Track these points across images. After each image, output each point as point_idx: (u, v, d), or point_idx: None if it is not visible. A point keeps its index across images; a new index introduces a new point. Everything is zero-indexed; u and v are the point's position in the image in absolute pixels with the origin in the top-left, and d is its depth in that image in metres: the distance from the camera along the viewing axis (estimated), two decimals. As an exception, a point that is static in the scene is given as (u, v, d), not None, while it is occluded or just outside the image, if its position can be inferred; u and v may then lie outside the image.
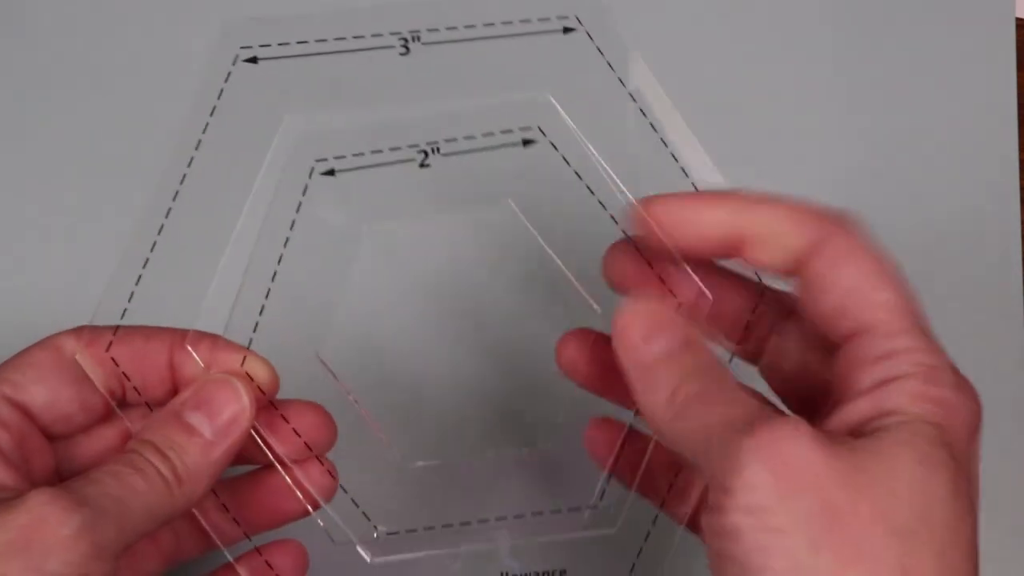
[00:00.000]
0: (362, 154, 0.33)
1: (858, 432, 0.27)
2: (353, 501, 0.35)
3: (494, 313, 0.43)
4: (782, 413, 0.27)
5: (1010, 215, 0.47)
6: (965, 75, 0.49)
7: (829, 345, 0.29)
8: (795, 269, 0.29)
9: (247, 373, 0.32)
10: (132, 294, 0.32)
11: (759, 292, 0.33)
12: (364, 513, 0.35)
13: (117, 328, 0.31)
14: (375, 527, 0.35)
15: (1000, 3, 0.49)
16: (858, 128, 0.48)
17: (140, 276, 0.31)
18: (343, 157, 0.33)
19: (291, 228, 0.33)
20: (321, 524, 0.33)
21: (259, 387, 0.32)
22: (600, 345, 0.33)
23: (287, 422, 0.33)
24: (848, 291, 0.28)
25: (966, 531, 0.26)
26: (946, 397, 0.27)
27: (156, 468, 0.29)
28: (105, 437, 0.33)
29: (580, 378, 0.34)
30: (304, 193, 0.33)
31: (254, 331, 0.33)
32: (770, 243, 0.29)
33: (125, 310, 0.32)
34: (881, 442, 0.26)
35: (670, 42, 0.46)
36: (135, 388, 0.32)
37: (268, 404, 0.33)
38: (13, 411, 0.30)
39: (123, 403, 0.32)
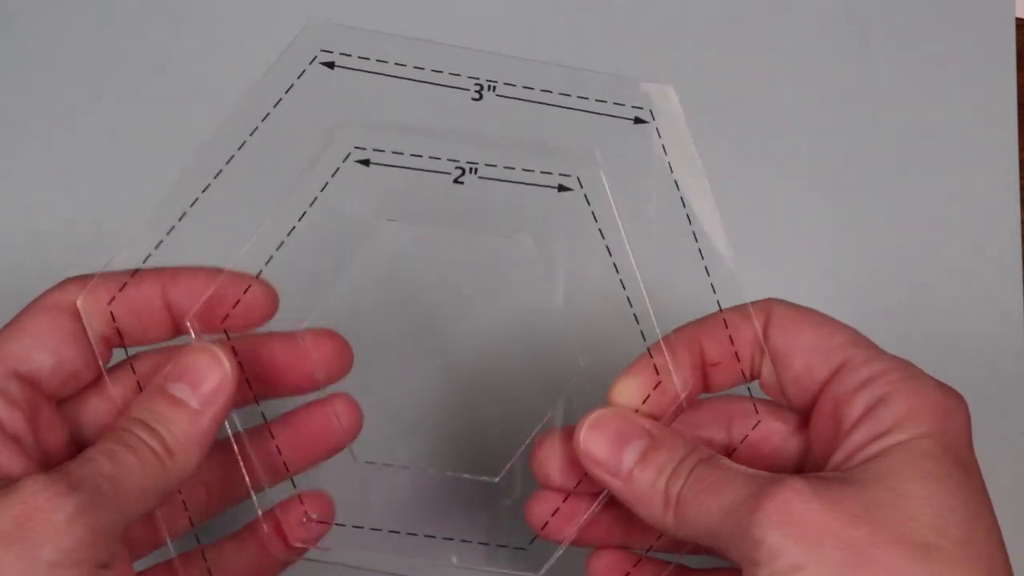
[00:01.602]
0: (401, 154, 0.33)
1: (860, 462, 0.28)
2: (292, 483, 0.35)
3: (481, 340, 0.43)
4: (777, 477, 0.27)
5: (1010, 215, 0.47)
6: (965, 75, 0.49)
7: (801, 413, 0.31)
8: (760, 354, 0.31)
9: (227, 335, 0.32)
10: (148, 256, 0.32)
11: None
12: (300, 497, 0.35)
13: (97, 276, 0.31)
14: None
15: (1000, 3, 0.50)
16: (858, 128, 0.48)
17: (161, 241, 0.32)
18: (382, 151, 0.33)
19: (311, 204, 0.33)
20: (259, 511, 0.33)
21: (261, 309, 0.32)
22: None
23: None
24: (810, 345, 0.30)
25: (985, 527, 0.27)
26: (936, 404, 0.28)
27: (146, 443, 0.29)
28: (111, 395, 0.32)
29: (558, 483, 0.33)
30: (333, 175, 0.33)
31: (244, 292, 0.33)
32: (728, 350, 0.31)
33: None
34: (883, 467, 0.27)
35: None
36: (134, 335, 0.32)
37: (288, 334, 0.33)
38: (21, 386, 0.30)
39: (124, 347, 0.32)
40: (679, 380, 0.31)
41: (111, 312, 0.31)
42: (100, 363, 0.31)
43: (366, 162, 0.33)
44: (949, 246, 0.47)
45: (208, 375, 0.30)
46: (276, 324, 0.34)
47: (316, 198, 0.33)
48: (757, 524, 0.26)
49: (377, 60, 0.31)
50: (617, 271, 0.33)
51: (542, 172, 0.33)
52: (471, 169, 0.33)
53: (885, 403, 0.28)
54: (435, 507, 0.41)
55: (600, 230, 0.33)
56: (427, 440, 0.42)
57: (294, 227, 0.33)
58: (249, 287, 0.32)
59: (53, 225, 0.44)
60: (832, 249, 0.46)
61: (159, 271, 0.32)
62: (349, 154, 0.33)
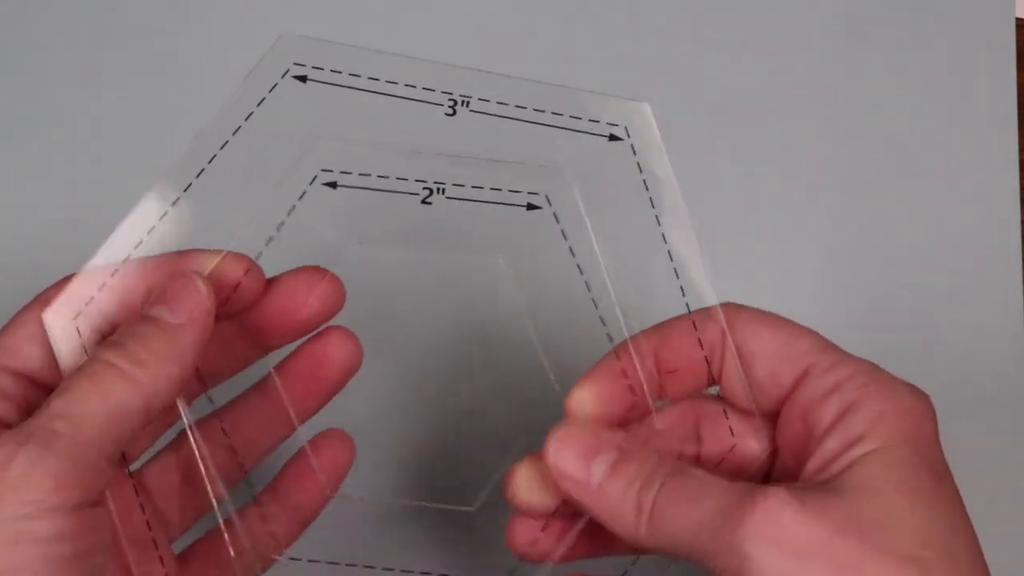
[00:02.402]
0: (368, 175, 0.33)
1: (838, 471, 0.28)
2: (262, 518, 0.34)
3: (453, 364, 0.42)
4: (757, 487, 0.27)
5: (1010, 215, 0.47)
6: (965, 75, 0.49)
7: (768, 416, 0.31)
8: (720, 357, 0.31)
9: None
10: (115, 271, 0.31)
11: None
12: (272, 533, 0.34)
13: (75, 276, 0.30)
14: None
15: (1000, 3, 0.50)
16: (857, 128, 0.48)
17: (128, 256, 0.31)
18: (349, 173, 0.33)
19: (277, 229, 0.33)
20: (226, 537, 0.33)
21: (241, 279, 0.31)
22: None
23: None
24: (773, 350, 0.30)
25: (964, 536, 0.27)
26: (906, 408, 0.28)
27: (111, 363, 0.28)
28: None
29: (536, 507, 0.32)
30: (300, 198, 0.33)
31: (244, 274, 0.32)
32: (688, 356, 0.31)
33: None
34: (862, 477, 0.27)
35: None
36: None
37: (277, 278, 0.33)
38: (14, 380, 0.29)
39: None
40: (644, 383, 0.31)
41: (95, 308, 0.30)
42: (85, 354, 0.30)
43: (333, 184, 0.33)
44: (949, 246, 0.47)
45: (184, 296, 0.30)
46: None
47: (283, 222, 0.33)
48: (744, 539, 0.26)
49: (350, 74, 0.31)
50: (589, 289, 0.33)
51: (511, 191, 0.33)
52: (439, 189, 0.33)
53: (855, 409, 0.28)
54: (409, 540, 0.40)
55: (570, 248, 0.32)
56: (399, 468, 0.42)
57: (260, 252, 0.33)
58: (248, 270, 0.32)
59: (47, 225, 0.44)
60: (831, 249, 0.46)
61: (141, 260, 0.31)
62: (316, 176, 0.33)
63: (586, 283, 0.33)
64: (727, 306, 0.31)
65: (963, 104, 0.49)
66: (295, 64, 0.31)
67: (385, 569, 0.35)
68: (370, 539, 0.39)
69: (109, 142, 0.46)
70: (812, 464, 0.29)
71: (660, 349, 0.31)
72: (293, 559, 0.34)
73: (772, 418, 0.31)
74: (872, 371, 0.29)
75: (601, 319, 0.32)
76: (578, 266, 0.33)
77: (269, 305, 0.33)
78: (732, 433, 0.32)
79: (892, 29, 0.49)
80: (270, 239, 0.33)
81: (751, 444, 0.32)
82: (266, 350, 0.34)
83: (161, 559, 0.32)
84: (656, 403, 0.32)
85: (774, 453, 0.32)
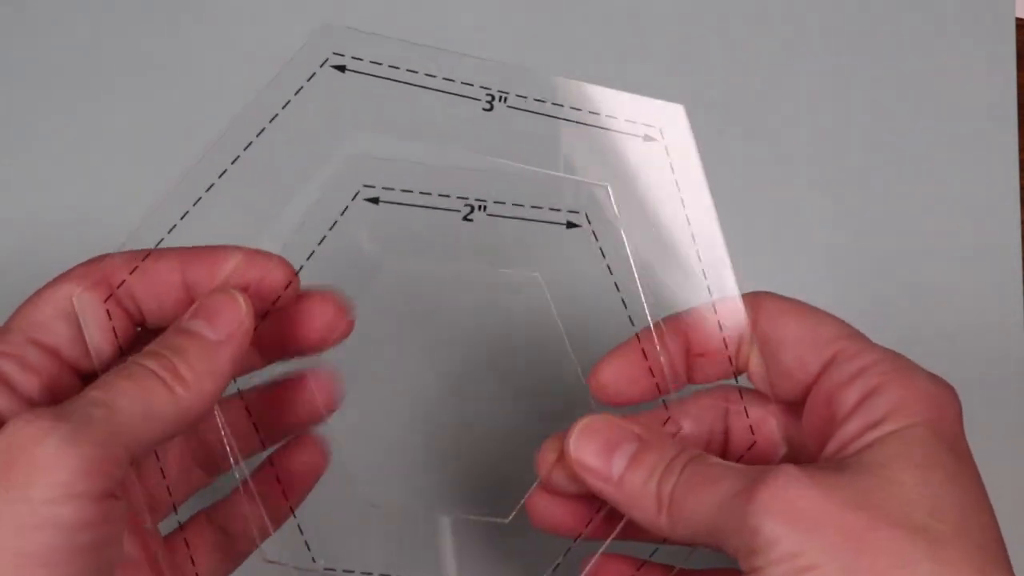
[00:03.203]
0: (411, 191, 0.33)
1: (854, 451, 0.28)
2: (299, 528, 0.35)
3: (488, 379, 0.43)
4: (770, 467, 0.27)
5: (1010, 215, 0.47)
6: (965, 75, 0.49)
7: (794, 404, 0.31)
8: (748, 344, 0.31)
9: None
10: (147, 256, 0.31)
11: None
12: (306, 543, 0.34)
13: (113, 255, 0.31)
14: (313, 559, 0.34)
15: (1000, 3, 0.50)
16: (858, 128, 0.48)
17: (161, 239, 0.31)
18: (391, 189, 0.33)
19: (319, 243, 0.33)
20: (264, 549, 0.33)
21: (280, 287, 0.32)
22: None
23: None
24: (800, 337, 0.30)
25: (979, 515, 0.27)
26: (928, 394, 0.28)
27: (151, 370, 0.28)
28: None
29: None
30: (343, 214, 0.33)
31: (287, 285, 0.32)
32: (716, 341, 0.31)
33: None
34: (877, 456, 0.27)
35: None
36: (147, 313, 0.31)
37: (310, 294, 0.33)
38: (41, 354, 0.29)
39: (146, 327, 0.32)
40: (667, 367, 0.32)
41: (125, 290, 0.30)
42: (115, 336, 0.30)
43: (375, 200, 0.33)
44: (949, 246, 0.47)
45: (225, 312, 0.30)
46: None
47: (325, 237, 0.33)
48: (753, 513, 0.26)
49: (389, 66, 0.31)
50: (625, 307, 0.33)
51: (551, 209, 0.33)
52: (480, 207, 0.33)
53: (878, 393, 0.28)
54: (444, 551, 0.41)
55: (608, 266, 0.33)
56: (434, 480, 0.42)
57: (303, 266, 0.33)
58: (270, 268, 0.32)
59: (55, 222, 0.45)
60: (831, 249, 0.46)
61: (177, 250, 0.31)
62: (358, 192, 0.33)
63: (622, 300, 0.33)
64: (756, 294, 0.31)
65: (963, 104, 0.49)
66: (334, 54, 0.31)
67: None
68: (404, 548, 0.40)
69: (120, 139, 0.46)
70: (831, 446, 0.29)
71: (690, 332, 0.32)
72: (328, 569, 0.34)
73: (799, 405, 0.31)
74: (897, 359, 0.29)
75: (637, 337, 0.32)
76: (615, 284, 0.33)
77: (292, 320, 0.33)
78: (752, 431, 0.32)
79: (892, 29, 0.49)
80: (312, 253, 0.34)
81: (772, 430, 0.32)
82: (270, 360, 0.34)
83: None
84: (683, 392, 0.32)
85: (798, 442, 0.32)
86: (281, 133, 0.31)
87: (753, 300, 0.31)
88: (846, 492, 0.26)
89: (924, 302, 0.46)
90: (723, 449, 0.33)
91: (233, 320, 0.30)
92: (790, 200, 0.47)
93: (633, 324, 0.33)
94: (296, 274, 0.32)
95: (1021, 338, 0.46)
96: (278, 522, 0.34)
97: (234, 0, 0.48)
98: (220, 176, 0.31)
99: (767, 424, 0.32)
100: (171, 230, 0.31)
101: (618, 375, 0.32)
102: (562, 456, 0.31)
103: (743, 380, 0.33)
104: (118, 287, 0.30)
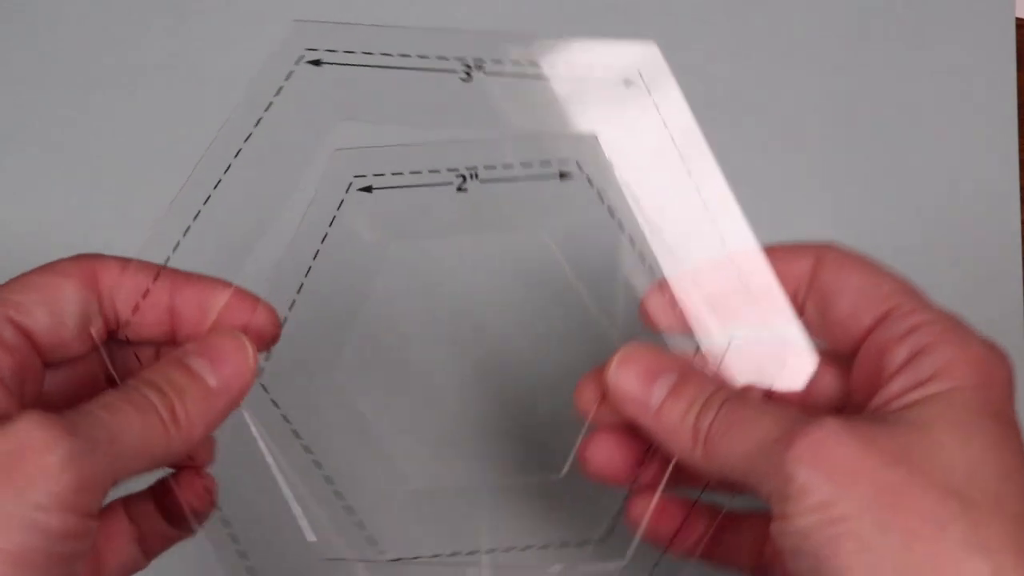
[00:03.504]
0: (401, 173, 0.33)
1: (899, 408, 0.28)
2: (361, 524, 0.35)
3: (511, 341, 0.43)
4: (810, 416, 0.27)
5: (1010, 215, 0.47)
6: (965, 75, 0.49)
7: (845, 355, 0.31)
8: (805, 292, 0.31)
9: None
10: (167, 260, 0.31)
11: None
12: (369, 536, 0.35)
13: (121, 259, 0.31)
14: (381, 551, 0.35)
15: (1000, 3, 0.50)
16: (858, 128, 0.48)
17: (168, 258, 0.31)
18: (382, 175, 0.33)
19: (322, 241, 0.34)
20: (314, 539, 0.33)
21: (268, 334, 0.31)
22: None
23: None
24: (858, 289, 0.30)
25: (1018, 484, 0.26)
26: (979, 357, 0.28)
27: (153, 404, 0.28)
28: (96, 377, 0.32)
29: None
30: (339, 207, 0.33)
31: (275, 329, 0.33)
32: (783, 275, 0.31)
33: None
34: (920, 415, 0.27)
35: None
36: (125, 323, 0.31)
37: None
38: (17, 334, 0.29)
39: (115, 340, 0.31)
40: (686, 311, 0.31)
41: (108, 296, 0.30)
42: (91, 337, 0.30)
43: (368, 188, 0.33)
44: (949, 246, 0.47)
45: (231, 358, 0.30)
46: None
47: (326, 234, 0.34)
48: (790, 461, 0.26)
49: (363, 52, 0.31)
50: (633, 245, 0.33)
51: (541, 163, 0.33)
52: (472, 175, 0.33)
53: (928, 352, 0.28)
54: (500, 516, 0.41)
55: (609, 208, 0.33)
56: (477, 449, 0.42)
57: (310, 267, 0.34)
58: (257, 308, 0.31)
59: (44, 224, 0.45)
60: None
61: (170, 271, 0.31)
62: (351, 184, 0.33)
63: (630, 237, 0.33)
64: (820, 244, 0.31)
65: (963, 104, 0.48)
66: (308, 50, 0.31)
67: (488, 551, 0.36)
68: (462, 523, 0.40)
69: (107, 146, 0.46)
70: (876, 400, 0.29)
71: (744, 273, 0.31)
72: (393, 560, 0.35)
73: (850, 356, 0.31)
74: (951, 320, 0.29)
75: (651, 270, 0.33)
76: (619, 223, 0.33)
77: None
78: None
79: (892, 29, 0.49)
80: (317, 252, 0.34)
81: (820, 378, 0.32)
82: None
83: None
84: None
85: (846, 393, 0.32)
86: (268, 136, 0.31)
87: (816, 249, 0.31)
88: (885, 447, 0.26)
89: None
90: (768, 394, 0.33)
91: (237, 371, 0.30)
92: (789, 200, 0.47)
93: (644, 261, 0.33)
94: (280, 326, 0.32)
95: (1021, 338, 0.46)
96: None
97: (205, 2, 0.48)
98: (215, 187, 0.31)
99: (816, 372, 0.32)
100: (175, 247, 0.31)
101: (663, 307, 0.32)
102: (603, 394, 0.31)
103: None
104: (108, 290, 0.30)
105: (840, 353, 0.31)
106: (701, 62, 0.48)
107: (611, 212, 0.33)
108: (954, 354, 0.28)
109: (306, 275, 0.34)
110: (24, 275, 0.30)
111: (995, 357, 0.28)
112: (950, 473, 0.26)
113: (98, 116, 0.47)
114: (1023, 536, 0.26)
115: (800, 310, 0.32)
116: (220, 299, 0.31)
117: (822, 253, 0.31)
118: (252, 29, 0.46)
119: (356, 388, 0.36)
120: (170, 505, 0.32)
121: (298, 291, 0.34)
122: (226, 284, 0.31)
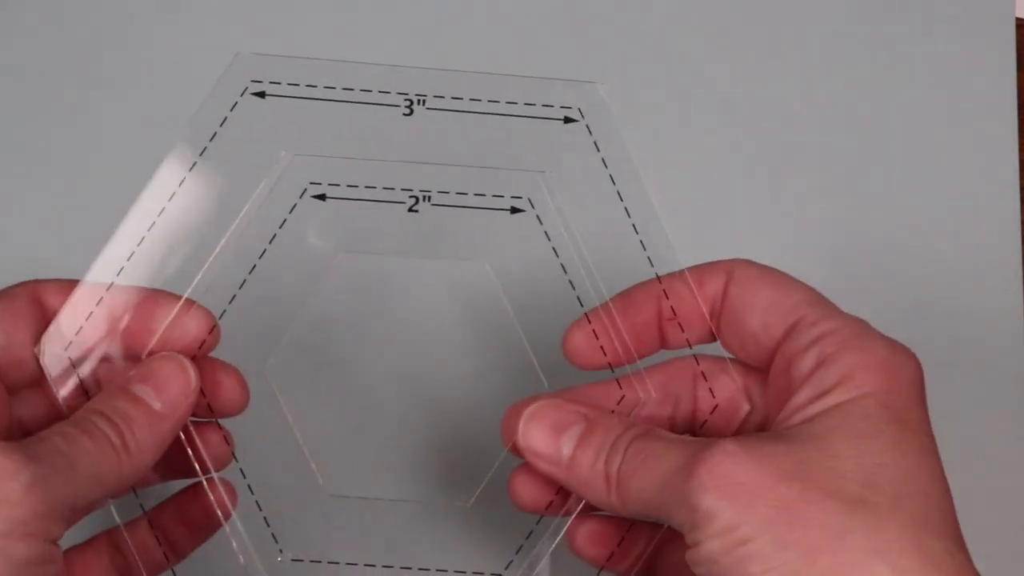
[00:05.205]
0: (356, 186, 0.34)
1: (799, 422, 0.28)
2: (265, 520, 0.35)
3: (445, 365, 0.43)
4: (711, 441, 0.28)
5: (1010, 215, 0.47)
6: (965, 75, 0.49)
7: (759, 370, 0.31)
8: (713, 312, 0.32)
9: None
10: (111, 284, 0.32)
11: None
12: (273, 535, 0.35)
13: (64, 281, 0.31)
14: (280, 551, 0.35)
15: (1000, 3, 0.50)
16: (857, 128, 0.48)
17: (122, 268, 0.32)
18: (337, 185, 0.34)
19: (270, 242, 0.34)
20: (233, 544, 0.33)
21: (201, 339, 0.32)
22: None
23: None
24: (767, 303, 0.31)
25: (920, 482, 0.27)
26: (881, 362, 0.28)
27: (104, 432, 0.29)
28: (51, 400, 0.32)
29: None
30: (291, 211, 0.34)
31: (209, 333, 0.33)
32: (686, 306, 0.32)
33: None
34: (816, 429, 0.27)
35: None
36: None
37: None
38: None
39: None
40: (632, 334, 0.32)
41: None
42: (36, 353, 0.31)
43: (322, 196, 0.34)
44: (949, 246, 0.47)
45: (172, 381, 0.30)
46: (244, 362, 0.34)
47: (275, 235, 0.34)
48: (692, 490, 0.27)
49: (307, 85, 0.32)
50: (573, 288, 0.34)
51: (494, 195, 0.34)
52: (425, 197, 0.34)
53: (831, 362, 0.29)
54: (407, 537, 0.41)
55: (554, 249, 0.33)
56: (395, 468, 0.42)
57: (255, 265, 0.34)
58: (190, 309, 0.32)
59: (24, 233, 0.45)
60: (831, 249, 0.46)
61: (118, 292, 0.32)
62: (305, 190, 0.34)
63: (570, 282, 0.34)
64: (731, 261, 0.32)
65: (963, 104, 0.49)
66: (252, 81, 0.32)
67: (385, 567, 0.36)
68: (370, 537, 0.40)
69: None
70: (783, 414, 0.29)
71: (661, 298, 0.32)
72: (295, 560, 0.35)
73: (767, 371, 0.31)
74: (856, 327, 0.29)
75: (588, 318, 0.33)
76: (562, 265, 0.34)
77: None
78: (713, 394, 0.33)
79: (892, 29, 0.49)
80: (263, 252, 0.34)
81: (741, 398, 0.32)
82: None
83: None
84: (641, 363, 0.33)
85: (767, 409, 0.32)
86: (212, 166, 0.32)
87: (727, 266, 0.32)
88: (781, 464, 0.27)
89: (923, 302, 0.46)
90: (692, 414, 0.33)
91: (179, 393, 0.30)
92: (789, 200, 0.47)
93: (582, 304, 0.33)
94: (217, 323, 0.32)
95: (1021, 338, 0.46)
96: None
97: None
98: (159, 214, 0.32)
99: (729, 388, 0.33)
100: (120, 272, 0.32)
101: (586, 342, 0.32)
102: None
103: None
104: (76, 334, 0.31)
105: (758, 367, 0.32)
106: (700, 62, 0.48)
107: (555, 252, 0.34)
108: (856, 361, 0.28)
109: (249, 272, 0.34)
110: None
111: (899, 360, 0.29)
112: (846, 483, 0.26)
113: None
114: (923, 535, 0.26)
115: (716, 328, 0.32)
116: (165, 313, 0.32)
117: (732, 269, 0.32)
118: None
119: (283, 391, 0.36)
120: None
121: (240, 287, 0.34)
122: (171, 296, 0.32)
